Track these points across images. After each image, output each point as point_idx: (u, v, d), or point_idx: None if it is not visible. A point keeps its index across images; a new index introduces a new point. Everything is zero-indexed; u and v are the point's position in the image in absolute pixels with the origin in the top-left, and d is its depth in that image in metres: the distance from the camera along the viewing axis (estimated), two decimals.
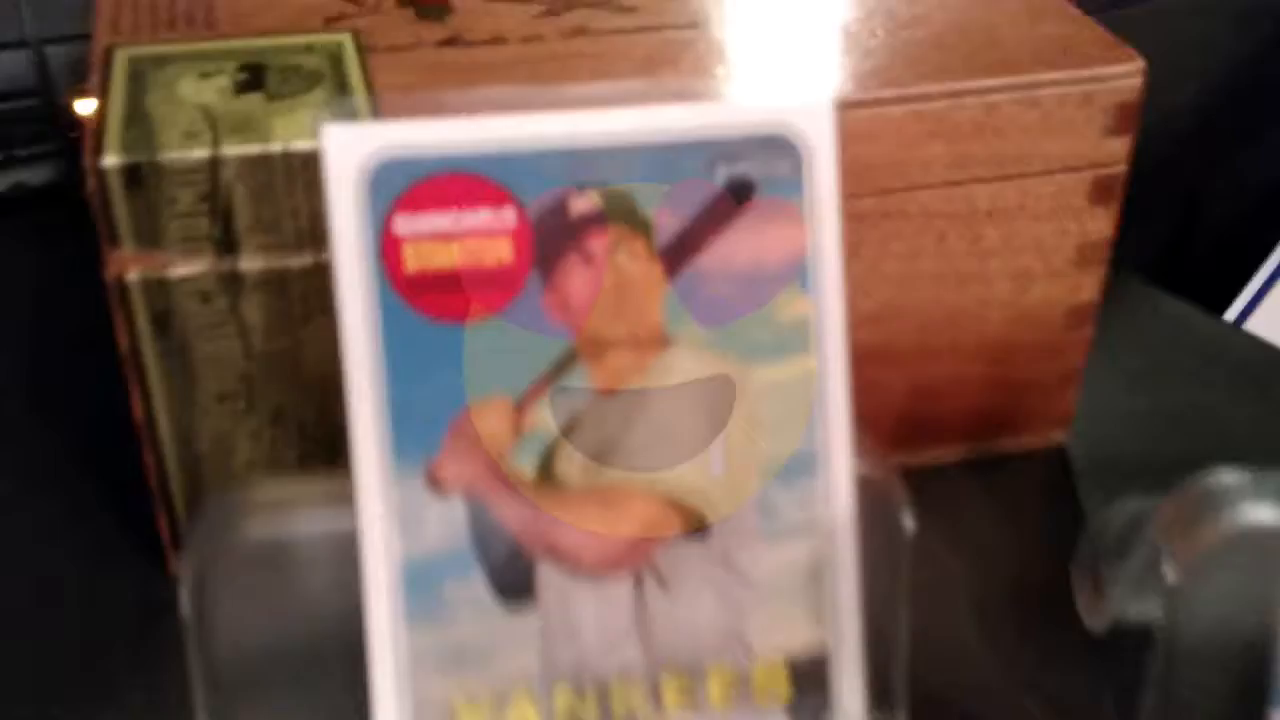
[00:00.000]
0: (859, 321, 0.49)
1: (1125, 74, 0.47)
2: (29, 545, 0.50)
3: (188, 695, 0.38)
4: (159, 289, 0.42)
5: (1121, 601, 0.45)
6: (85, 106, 0.45)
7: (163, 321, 0.42)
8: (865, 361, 0.50)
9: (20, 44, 0.69)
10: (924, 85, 0.46)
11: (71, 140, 0.69)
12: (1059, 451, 0.55)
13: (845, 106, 0.46)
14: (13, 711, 0.44)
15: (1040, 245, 0.50)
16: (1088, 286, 0.51)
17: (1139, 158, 0.48)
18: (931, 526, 0.51)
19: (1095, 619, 0.46)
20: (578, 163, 0.37)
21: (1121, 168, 0.49)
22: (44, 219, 0.69)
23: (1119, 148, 0.48)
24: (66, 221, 0.55)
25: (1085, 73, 0.47)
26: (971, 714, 0.44)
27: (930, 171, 0.47)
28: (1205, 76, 0.68)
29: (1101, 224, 0.50)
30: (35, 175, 0.71)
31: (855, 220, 0.48)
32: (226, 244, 0.42)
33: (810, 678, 0.41)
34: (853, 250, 0.48)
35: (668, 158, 0.38)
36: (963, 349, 0.51)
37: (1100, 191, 0.49)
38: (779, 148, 0.38)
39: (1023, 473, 0.54)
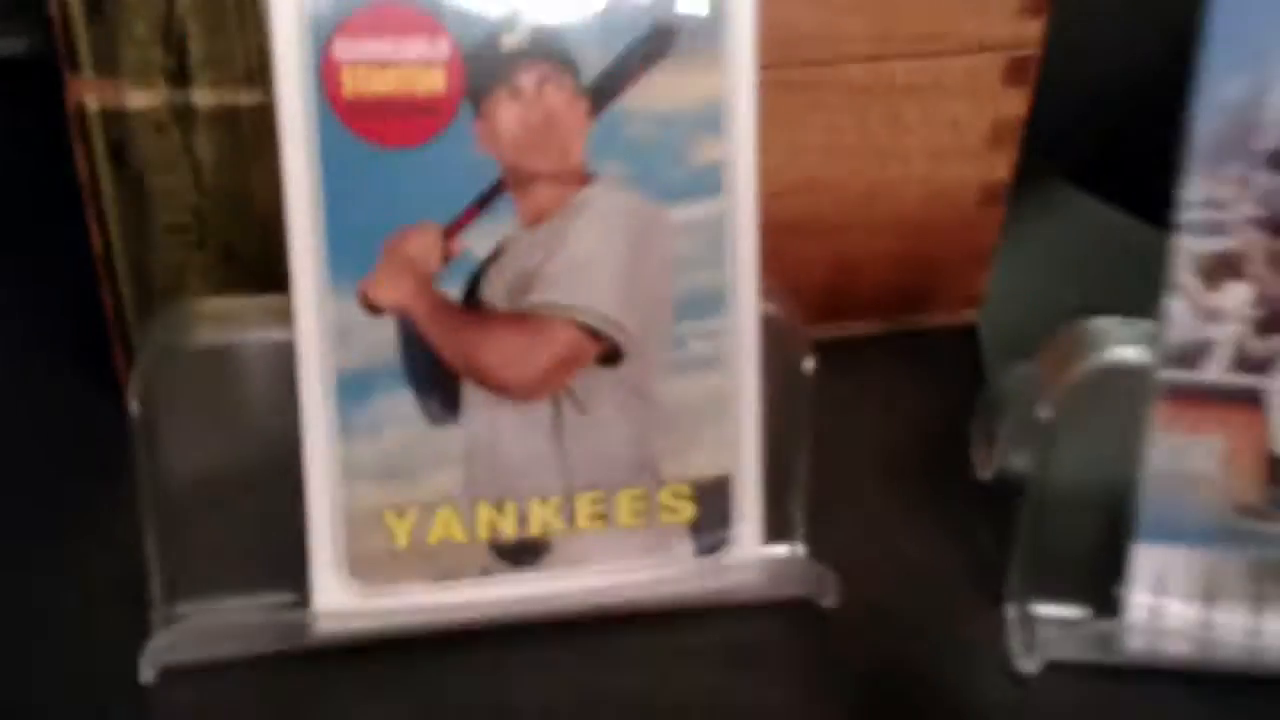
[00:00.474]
0: (783, 192, 0.53)
1: None
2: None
3: (135, 503, 0.41)
4: (116, 118, 0.44)
5: (1007, 452, 0.48)
6: None
7: (119, 151, 0.45)
8: (789, 233, 0.54)
9: None
10: None
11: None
12: (970, 328, 0.58)
13: None
14: None
15: (956, 123, 0.52)
16: (1000, 165, 0.54)
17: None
18: (846, 389, 0.55)
19: (984, 468, 0.50)
20: (511, 1, 0.40)
21: (1035, 50, 0.51)
22: (19, 89, 0.71)
23: (1032, 29, 0.51)
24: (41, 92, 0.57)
25: None
26: (867, 545, 0.48)
27: (853, 45, 0.50)
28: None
29: (1015, 104, 0.52)
30: (9, 46, 0.73)
31: (781, 89, 0.50)
32: (180, 76, 0.44)
33: (713, 501, 0.44)
34: (776, 119, 0.51)
35: (597, 1, 0.40)
36: (881, 224, 0.54)
37: (1014, 72, 0.52)
38: None
39: (935, 345, 0.58)
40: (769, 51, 0.49)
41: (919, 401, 0.55)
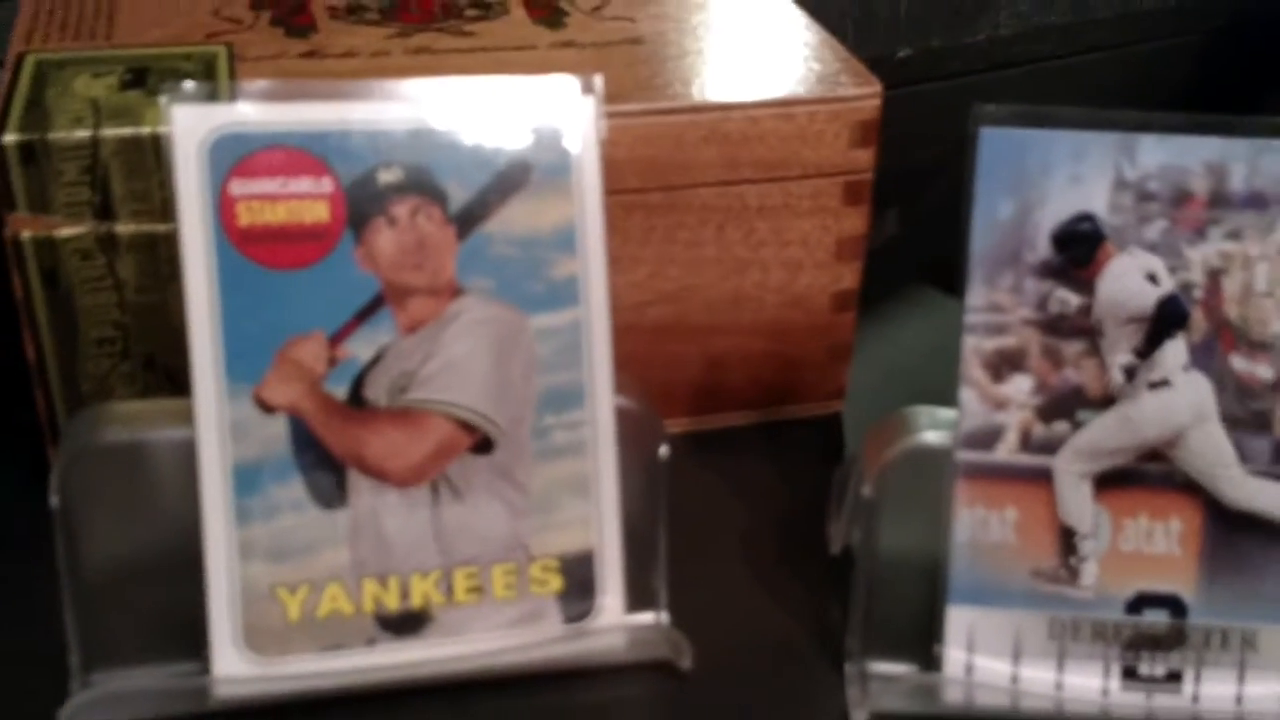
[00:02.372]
0: (656, 300, 0.59)
1: (866, 96, 0.57)
2: None
3: (58, 581, 0.46)
4: (48, 247, 0.50)
5: (849, 528, 0.54)
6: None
7: (51, 275, 0.51)
8: (663, 336, 0.60)
9: None
10: (696, 99, 0.56)
11: None
12: (835, 418, 0.64)
13: (633, 115, 0.55)
14: None
15: (805, 239, 0.59)
16: (849, 275, 0.60)
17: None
18: (715, 476, 0.60)
19: (835, 544, 0.55)
20: (386, 143, 0.46)
21: (868, 175, 0.58)
22: None
23: (864, 159, 0.58)
24: None
25: (832, 94, 0.57)
26: (726, 614, 0.53)
27: (707, 172, 0.56)
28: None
29: (855, 222, 0.59)
30: None
31: (646, 211, 0.57)
32: (104, 211, 0.50)
33: (578, 574, 0.49)
34: (645, 236, 0.58)
35: (461, 141, 0.47)
36: (746, 326, 0.60)
37: (851, 194, 0.58)
38: (551, 137, 0.47)
39: (801, 435, 0.63)
40: (631, 178, 0.56)
41: (783, 486, 0.61)
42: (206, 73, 0.54)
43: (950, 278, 0.49)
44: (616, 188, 0.55)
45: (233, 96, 0.45)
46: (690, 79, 0.58)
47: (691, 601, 0.52)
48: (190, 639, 0.46)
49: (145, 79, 0.53)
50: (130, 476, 0.46)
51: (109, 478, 0.46)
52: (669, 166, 0.56)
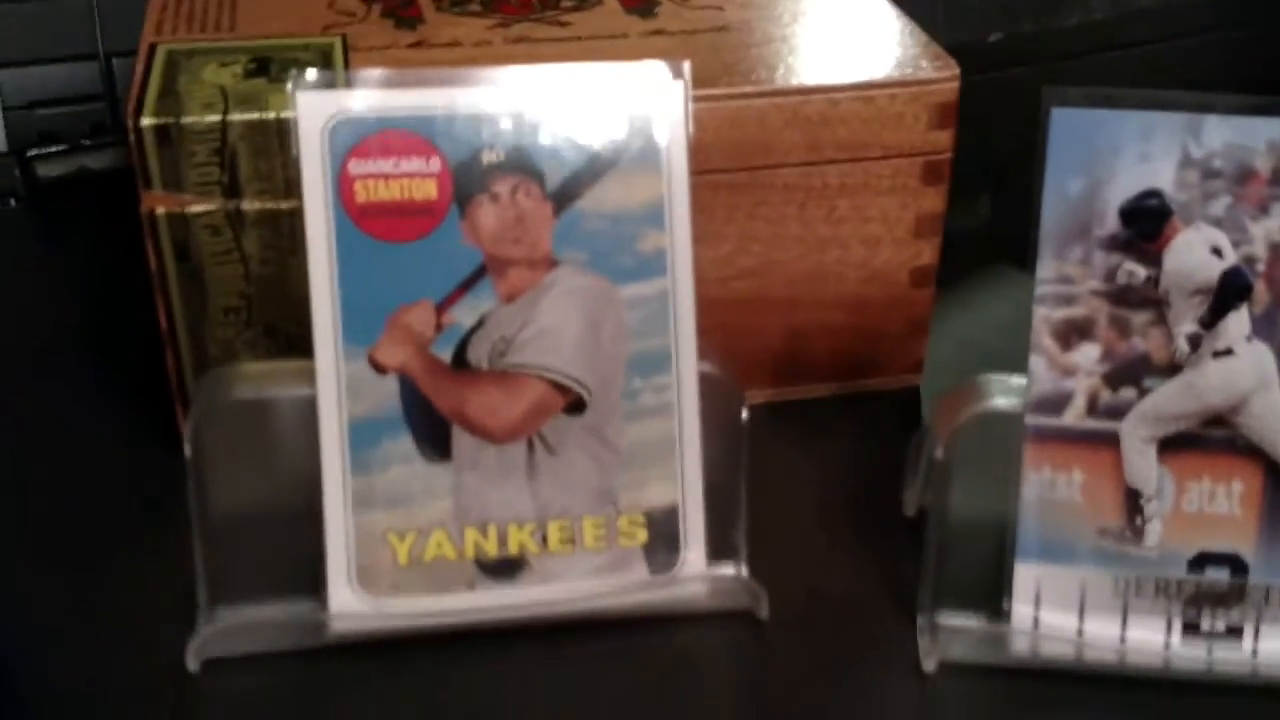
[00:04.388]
0: (739, 274, 0.62)
1: (945, 79, 0.59)
2: (83, 426, 0.63)
3: (189, 528, 0.50)
4: (180, 222, 0.55)
5: (922, 489, 0.56)
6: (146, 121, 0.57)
7: (182, 249, 0.55)
8: (745, 309, 0.63)
9: (91, 57, 0.83)
10: (779, 83, 0.59)
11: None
12: (912, 391, 0.67)
13: (719, 99, 0.58)
14: (65, 546, 0.57)
15: (885, 216, 0.61)
16: (927, 251, 0.63)
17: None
18: (796, 443, 0.63)
19: (908, 506, 0.58)
20: (489, 126, 0.50)
21: (947, 155, 0.61)
22: (105, 198, 0.82)
23: (943, 139, 0.60)
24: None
25: (911, 77, 0.59)
26: (803, 569, 0.56)
27: (790, 153, 0.59)
28: None
29: (934, 200, 0.61)
30: (98, 160, 0.85)
31: (731, 189, 0.60)
32: (232, 189, 0.55)
33: (663, 528, 0.53)
34: (729, 214, 0.61)
35: (558, 124, 0.50)
36: (826, 300, 0.63)
37: (930, 174, 0.61)
38: (642, 120, 0.51)
39: (880, 407, 0.66)
40: (717, 159, 0.59)
41: (862, 455, 0.63)
42: (323, 62, 0.59)
43: (1027, 261, 0.52)
44: (703, 168, 0.58)
45: (350, 84, 0.49)
46: (774, 64, 0.60)
47: (770, 558, 0.55)
48: (308, 580, 0.51)
49: (268, 68, 0.58)
50: (255, 430, 0.50)
51: (236, 432, 0.50)
52: (753, 148, 0.59)
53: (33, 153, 0.83)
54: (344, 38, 0.61)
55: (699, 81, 0.57)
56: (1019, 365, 0.51)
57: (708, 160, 0.58)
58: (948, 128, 0.60)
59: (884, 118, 0.59)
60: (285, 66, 0.58)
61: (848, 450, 0.64)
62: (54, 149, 0.84)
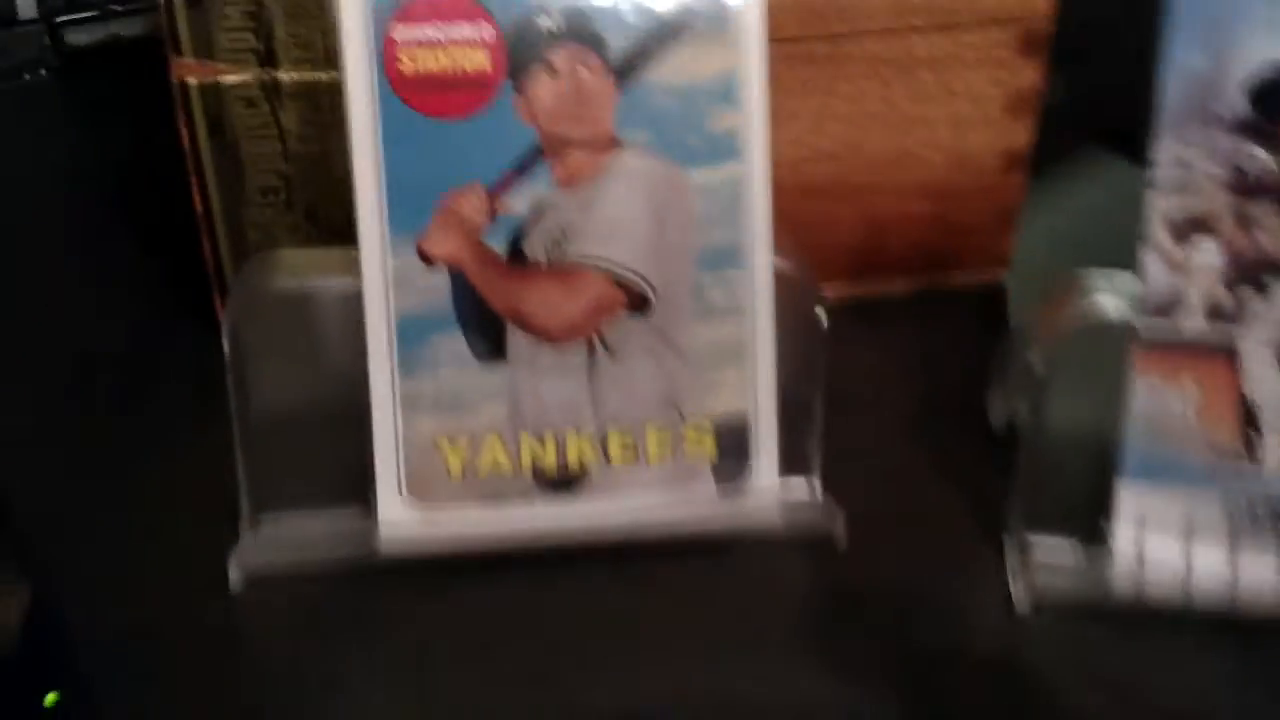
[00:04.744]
0: (813, 157, 0.57)
1: None
2: (115, 312, 0.60)
3: (229, 424, 0.47)
4: (213, 93, 0.51)
5: (1014, 400, 0.52)
6: None
7: (216, 123, 0.51)
8: (819, 196, 0.58)
9: None
10: None
11: None
12: (998, 286, 0.62)
13: None
14: (107, 424, 0.54)
15: (974, 93, 0.56)
16: (1020, 133, 0.57)
17: None
18: (876, 344, 0.59)
19: (995, 415, 0.54)
20: None
21: (1046, 23, 0.55)
22: (137, 67, 0.78)
23: (1042, 4, 0.54)
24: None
25: None
26: (883, 485, 0.52)
27: (872, 19, 0.54)
28: None
29: (1030, 75, 0.56)
30: (128, 28, 0.81)
31: (805, 61, 0.55)
32: (268, 57, 0.50)
33: (733, 440, 0.49)
34: (803, 88, 0.56)
35: None
36: (908, 188, 0.58)
37: (1027, 44, 0.55)
38: None
39: (963, 303, 0.61)
40: (792, 26, 0.53)
41: (942, 356, 0.59)
42: None
43: (1124, 144, 0.46)
44: (775, 35, 0.52)
45: None
46: None
47: (846, 468, 0.51)
48: (355, 487, 0.47)
49: None
50: (298, 323, 0.47)
51: (278, 324, 0.46)
52: (831, 12, 0.54)
53: (62, 19, 0.79)
54: None
55: None
56: (1113, 260, 0.46)
57: (781, 27, 0.52)
58: None
59: None
60: None
61: (927, 351, 0.59)
62: (83, 15, 0.80)
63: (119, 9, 0.80)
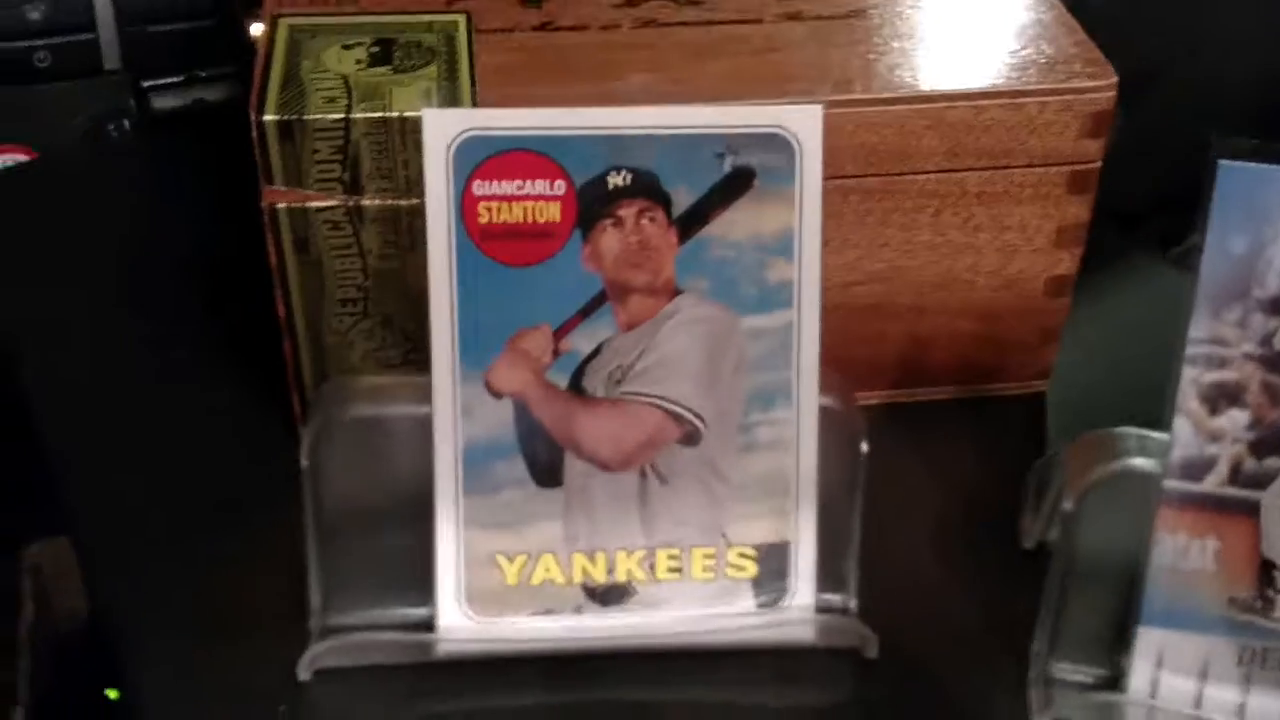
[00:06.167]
0: (866, 280, 0.60)
1: (1100, 88, 0.55)
2: (199, 412, 0.63)
3: (304, 533, 0.50)
4: (301, 217, 0.54)
5: (1044, 526, 0.54)
6: (256, 29, 0.55)
7: (302, 243, 0.55)
8: (871, 314, 0.61)
9: None
10: (922, 88, 0.55)
11: (244, 63, 0.81)
12: (1038, 396, 0.64)
13: (856, 104, 0.55)
14: (179, 530, 0.58)
15: (1024, 225, 0.58)
16: (1066, 261, 0.60)
17: None
18: (914, 450, 0.61)
19: (1027, 539, 0.56)
20: (616, 148, 0.48)
21: (1096, 164, 0.57)
22: (220, 131, 0.81)
23: (1094, 148, 0.56)
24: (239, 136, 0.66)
25: (1065, 85, 0.55)
26: (915, 601, 0.55)
27: (928, 160, 0.56)
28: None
29: (1079, 209, 0.58)
30: (213, 93, 0.84)
31: (862, 194, 0.57)
32: (353, 186, 0.54)
33: (773, 563, 0.52)
34: (859, 220, 0.58)
35: (687, 146, 0.48)
36: (954, 308, 0.61)
37: (1077, 183, 0.57)
38: (776, 144, 0.48)
39: (1003, 412, 0.64)
40: (849, 165, 0.56)
41: (980, 463, 0.61)
42: (447, 45, 0.57)
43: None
44: (835, 174, 0.55)
45: (475, 100, 0.47)
46: (916, 63, 0.57)
47: (880, 580, 0.54)
48: (418, 593, 0.51)
49: (391, 53, 0.56)
50: (370, 444, 0.50)
51: (352, 445, 0.50)
52: (889, 155, 0.56)
53: (148, 84, 0.83)
54: (468, 15, 0.59)
55: (835, 83, 0.54)
56: (1154, 375, 0.48)
57: (840, 166, 0.55)
58: (1100, 137, 0.56)
59: (1032, 125, 0.56)
60: (408, 51, 0.56)
61: (966, 458, 0.62)
62: (169, 80, 0.83)
63: (203, 74, 0.83)
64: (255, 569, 0.55)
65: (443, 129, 0.47)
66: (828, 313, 0.50)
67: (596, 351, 0.49)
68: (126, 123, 0.83)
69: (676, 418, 0.50)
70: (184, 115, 0.84)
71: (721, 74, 0.57)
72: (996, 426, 0.63)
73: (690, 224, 0.49)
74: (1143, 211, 0.70)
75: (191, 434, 0.61)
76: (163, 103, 0.84)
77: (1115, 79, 0.56)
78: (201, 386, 0.64)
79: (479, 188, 0.48)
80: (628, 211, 0.48)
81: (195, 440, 0.61)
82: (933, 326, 0.61)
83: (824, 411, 0.51)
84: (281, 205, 0.54)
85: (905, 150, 0.56)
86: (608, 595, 0.51)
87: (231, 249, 0.63)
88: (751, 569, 0.52)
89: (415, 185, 0.54)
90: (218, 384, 0.64)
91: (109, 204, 0.76)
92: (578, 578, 0.51)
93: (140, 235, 0.74)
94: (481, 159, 0.47)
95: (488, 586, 0.51)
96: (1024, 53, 0.58)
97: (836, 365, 0.52)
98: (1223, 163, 0.45)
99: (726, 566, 0.52)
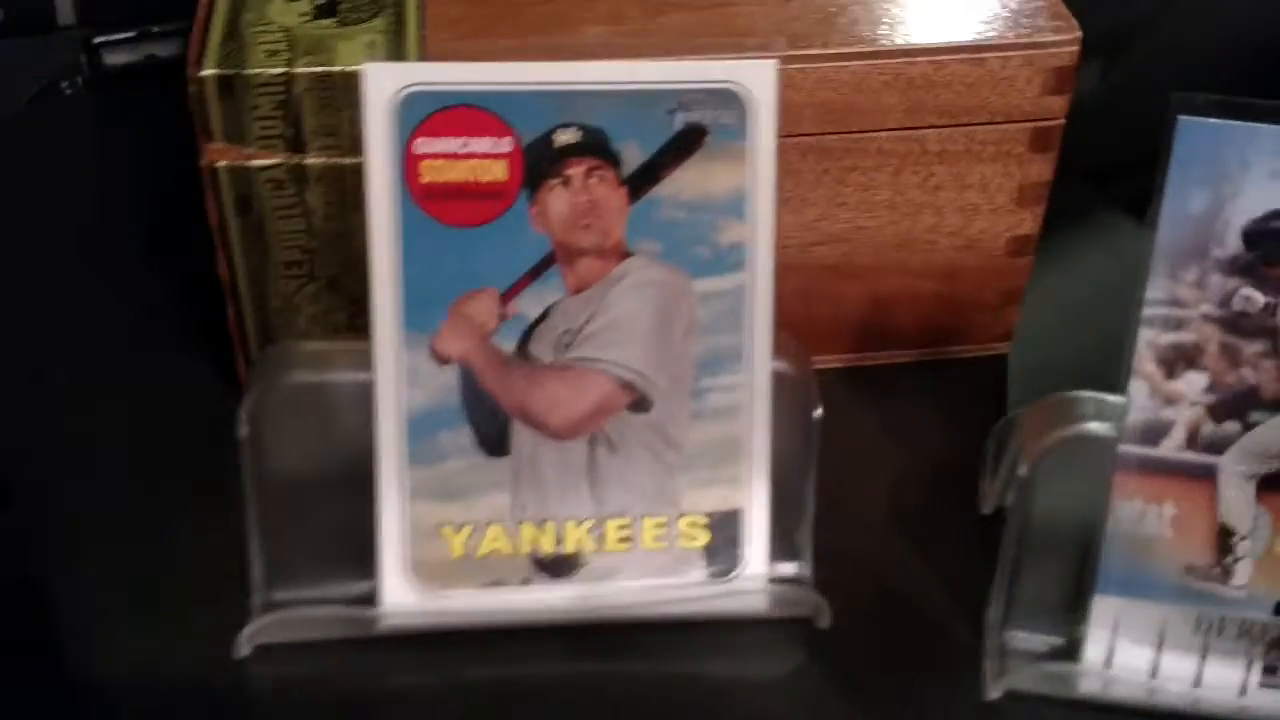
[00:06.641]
0: (823, 240, 0.59)
1: (1063, 43, 0.54)
2: (137, 372, 0.62)
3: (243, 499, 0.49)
4: (242, 176, 0.52)
5: (1002, 492, 0.53)
6: None
7: (244, 202, 0.53)
8: (828, 274, 0.60)
9: None
10: (881, 43, 0.54)
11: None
12: (999, 359, 0.63)
13: (813, 59, 0.54)
14: (116, 500, 0.56)
15: (985, 184, 0.57)
16: (1028, 221, 0.58)
17: None
18: (874, 413, 0.60)
19: (985, 504, 0.55)
20: (564, 104, 0.46)
21: (1059, 121, 0.56)
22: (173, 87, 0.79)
23: (1057, 105, 0.55)
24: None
25: (1028, 39, 0.54)
26: (870, 564, 0.54)
27: (887, 117, 0.55)
28: None
29: (1041, 168, 0.57)
30: (165, 48, 0.82)
31: (820, 153, 0.56)
32: (296, 143, 0.52)
33: (725, 531, 0.51)
34: (817, 179, 0.57)
35: (637, 103, 0.47)
36: (914, 269, 0.59)
37: (1039, 141, 0.56)
38: (728, 100, 0.47)
39: (962, 374, 0.63)
40: (807, 122, 0.55)
41: (940, 427, 0.60)
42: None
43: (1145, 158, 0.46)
44: (792, 131, 0.54)
45: (423, 54, 0.46)
46: (875, 17, 0.55)
47: (835, 550, 0.53)
48: (360, 566, 0.50)
49: (337, 4, 0.54)
50: (312, 412, 0.49)
51: (293, 412, 0.49)
52: (847, 111, 0.55)
53: (100, 40, 0.81)
54: None
55: (794, 38, 0.53)
56: (1118, 338, 0.47)
57: (797, 123, 0.54)
58: (1064, 93, 0.55)
59: (993, 81, 0.54)
60: (356, 3, 0.54)
61: (925, 422, 0.61)
62: (121, 35, 0.81)
63: (156, 30, 0.81)
64: (195, 540, 0.54)
65: (383, 85, 0.46)
66: (785, 274, 0.49)
67: (544, 315, 0.48)
68: (80, 80, 0.81)
69: (626, 384, 0.49)
70: (136, 71, 0.82)
71: (678, 28, 0.55)
72: (958, 390, 0.62)
73: (640, 183, 0.47)
74: (1117, 173, 0.69)
75: (136, 398, 0.60)
76: (115, 58, 0.82)
77: (1079, 33, 0.54)
78: (149, 348, 0.63)
79: (421, 145, 0.46)
80: (576, 170, 0.47)
81: (138, 404, 0.60)
82: (893, 288, 0.60)
83: (777, 376, 0.49)
84: (222, 164, 0.52)
85: (863, 107, 0.55)
86: (557, 567, 0.50)
87: (184, 207, 0.61)
88: (703, 538, 0.51)
89: (360, 143, 0.52)
90: (164, 346, 0.63)
91: (60, 161, 0.74)
92: (525, 548, 0.50)
93: (90, 192, 0.72)
94: (424, 116, 0.46)
95: (433, 559, 0.50)
96: (986, 6, 0.56)
97: (795, 328, 0.51)
98: (1182, 118, 0.44)
99: (678, 536, 0.51)
